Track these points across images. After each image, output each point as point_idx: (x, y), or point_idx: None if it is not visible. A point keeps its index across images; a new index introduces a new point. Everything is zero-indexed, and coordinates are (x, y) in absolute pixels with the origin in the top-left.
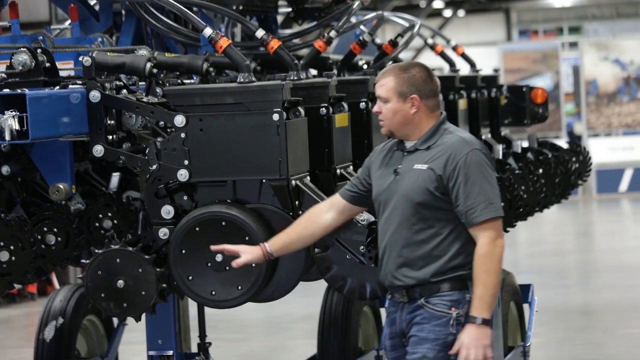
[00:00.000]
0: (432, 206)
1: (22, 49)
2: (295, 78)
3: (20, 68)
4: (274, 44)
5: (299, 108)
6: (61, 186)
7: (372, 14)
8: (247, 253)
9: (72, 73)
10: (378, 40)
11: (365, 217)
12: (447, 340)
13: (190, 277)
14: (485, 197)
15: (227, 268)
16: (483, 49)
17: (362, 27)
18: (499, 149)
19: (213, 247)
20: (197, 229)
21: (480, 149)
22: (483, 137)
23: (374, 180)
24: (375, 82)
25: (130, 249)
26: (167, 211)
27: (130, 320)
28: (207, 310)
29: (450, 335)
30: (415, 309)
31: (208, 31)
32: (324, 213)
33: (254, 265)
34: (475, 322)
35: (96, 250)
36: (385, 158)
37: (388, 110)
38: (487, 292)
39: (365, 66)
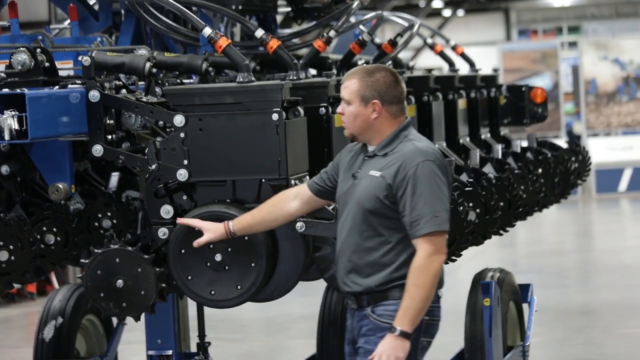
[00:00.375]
0: (382, 214)
1: (21, 48)
2: (295, 78)
3: (20, 68)
4: (274, 43)
5: (299, 108)
6: (60, 186)
7: (371, 14)
8: (210, 231)
9: (71, 73)
10: (377, 40)
11: None
12: None
13: (189, 277)
14: (430, 209)
15: (227, 268)
16: (482, 49)
17: (361, 26)
18: (499, 148)
19: (179, 220)
20: (196, 228)
21: (434, 160)
22: (482, 136)
23: (338, 181)
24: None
25: (130, 248)
26: (167, 211)
27: (129, 319)
28: (206, 310)
29: None
30: (362, 317)
31: (207, 31)
32: (290, 201)
33: (253, 264)
34: (394, 332)
35: (95, 250)
36: (350, 160)
37: (350, 113)
38: (413, 306)
39: None
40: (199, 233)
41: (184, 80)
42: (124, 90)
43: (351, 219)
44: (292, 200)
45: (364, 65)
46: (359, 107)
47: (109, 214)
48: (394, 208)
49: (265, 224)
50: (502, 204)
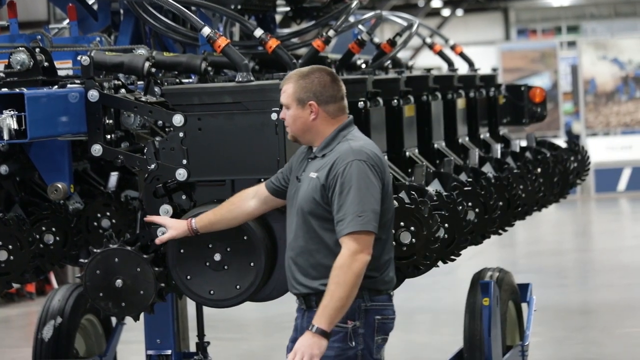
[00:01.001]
0: (319, 216)
1: (20, 48)
2: None
3: (19, 67)
4: (273, 43)
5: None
6: (59, 185)
7: (370, 13)
8: (173, 228)
9: (70, 72)
10: (376, 40)
11: None
12: (348, 355)
13: (188, 277)
14: (356, 209)
15: (226, 267)
16: (481, 48)
17: (360, 26)
18: (498, 148)
19: (146, 218)
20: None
21: (365, 160)
22: (482, 136)
23: (288, 183)
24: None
25: (129, 248)
26: (166, 210)
27: (128, 319)
28: (205, 309)
29: (350, 349)
30: (313, 318)
31: (206, 30)
32: (249, 200)
33: (252, 264)
34: (312, 330)
35: (94, 250)
36: (298, 163)
37: (289, 117)
38: (332, 304)
39: (363, 65)
40: (199, 234)
41: (183, 80)
42: (123, 90)
43: (295, 221)
44: (251, 199)
45: (300, 68)
46: (296, 109)
47: (108, 213)
48: (329, 209)
49: (226, 221)
50: (501, 203)
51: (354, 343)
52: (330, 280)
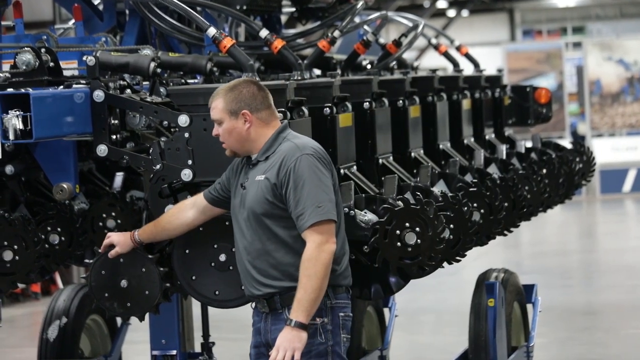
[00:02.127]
0: (273, 215)
1: (26, 48)
2: (299, 78)
3: (24, 67)
4: (278, 43)
5: (303, 108)
6: (65, 186)
7: (376, 14)
8: (119, 244)
9: (76, 73)
10: (382, 40)
11: (368, 217)
12: (319, 350)
13: (193, 277)
14: (313, 201)
15: (231, 268)
16: (487, 49)
17: (366, 27)
18: (503, 149)
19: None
20: (200, 228)
21: (312, 154)
22: (487, 137)
23: (231, 196)
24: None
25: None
26: None
27: (133, 319)
28: (210, 310)
29: (321, 344)
30: (278, 320)
31: (212, 31)
32: (187, 210)
33: None
34: (291, 324)
35: (99, 250)
36: (237, 173)
37: (224, 131)
38: (306, 297)
39: (369, 66)
40: (203, 235)
41: (189, 80)
42: (128, 90)
43: (247, 226)
44: (190, 209)
45: (224, 84)
46: (230, 122)
47: (113, 214)
48: (284, 207)
49: (167, 232)
50: (506, 204)
51: (324, 339)
52: (301, 274)
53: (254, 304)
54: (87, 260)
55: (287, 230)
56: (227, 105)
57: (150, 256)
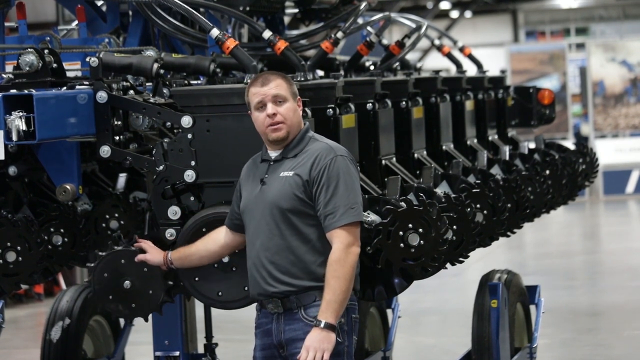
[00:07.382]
0: (300, 212)
1: (29, 49)
2: (302, 79)
3: (28, 69)
4: (281, 44)
5: (306, 109)
6: (68, 187)
7: (379, 15)
8: (151, 254)
9: (79, 74)
10: (385, 41)
11: (372, 218)
12: (338, 350)
13: (196, 278)
14: (346, 202)
15: (234, 269)
16: (490, 50)
17: (369, 28)
18: (506, 150)
19: (136, 244)
20: (203, 229)
21: (346, 156)
22: (490, 138)
23: (243, 195)
24: (257, 89)
25: (133, 248)
26: (174, 212)
27: (137, 320)
28: (213, 311)
29: (339, 344)
30: (291, 320)
31: (215, 32)
32: (222, 234)
33: None
34: (320, 325)
35: (100, 253)
36: (251, 172)
37: (288, 110)
38: (335, 298)
39: (372, 67)
40: (206, 234)
41: (192, 82)
42: (131, 91)
43: (267, 222)
44: (224, 235)
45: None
46: (293, 102)
47: (116, 215)
48: (312, 205)
49: (200, 257)
50: (509, 205)
51: (342, 339)
52: (329, 275)
53: (259, 306)
54: (89, 264)
55: (313, 228)
56: (290, 86)
57: None
